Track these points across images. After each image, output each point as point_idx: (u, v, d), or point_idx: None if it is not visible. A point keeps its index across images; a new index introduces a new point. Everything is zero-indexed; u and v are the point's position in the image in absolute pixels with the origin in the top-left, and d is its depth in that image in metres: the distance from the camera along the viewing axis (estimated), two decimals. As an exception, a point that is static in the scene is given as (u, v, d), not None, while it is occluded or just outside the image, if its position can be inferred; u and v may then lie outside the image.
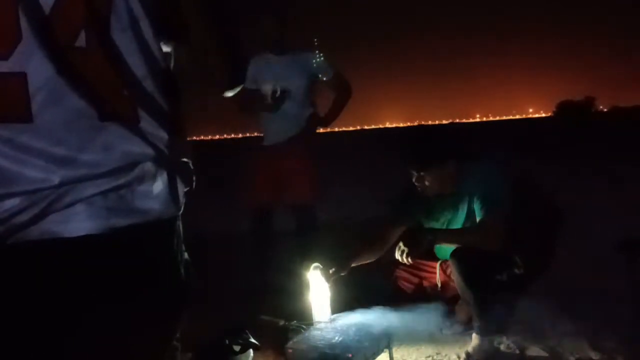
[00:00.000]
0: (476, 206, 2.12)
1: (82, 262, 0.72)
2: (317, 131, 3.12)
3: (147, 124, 0.77)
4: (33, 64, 0.69)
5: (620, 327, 2.20)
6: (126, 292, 0.74)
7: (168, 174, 0.79)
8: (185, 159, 0.85)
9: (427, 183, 2.16)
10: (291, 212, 3.10)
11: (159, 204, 0.77)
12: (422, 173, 2.15)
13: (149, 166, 0.76)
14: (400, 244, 2.06)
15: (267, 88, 2.87)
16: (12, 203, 0.68)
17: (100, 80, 0.73)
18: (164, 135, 0.79)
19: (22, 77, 0.69)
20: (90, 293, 0.72)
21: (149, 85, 0.77)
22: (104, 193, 0.72)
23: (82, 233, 0.70)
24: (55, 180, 0.70)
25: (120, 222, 0.73)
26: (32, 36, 0.69)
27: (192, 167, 0.86)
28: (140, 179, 0.75)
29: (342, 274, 2.20)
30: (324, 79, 3.02)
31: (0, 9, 0.68)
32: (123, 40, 0.75)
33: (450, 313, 2.31)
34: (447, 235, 2.19)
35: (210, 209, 6.34)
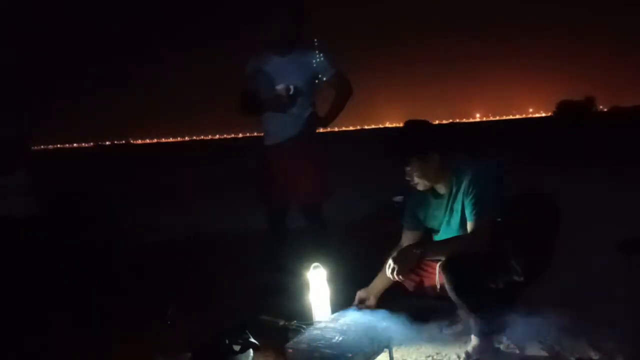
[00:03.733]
0: (466, 210, 2.10)
1: None
2: (317, 131, 3.11)
3: None
4: None
5: (620, 327, 2.20)
6: None
7: None
8: None
9: (413, 177, 2.16)
10: (300, 212, 3.09)
11: None
12: (407, 167, 2.15)
13: None
14: (390, 261, 2.05)
15: (281, 87, 2.85)
16: None
17: None
18: None
19: None
20: None
21: None
22: None
23: None
24: None
25: None
26: None
27: None
28: None
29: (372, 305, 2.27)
30: (324, 78, 3.00)
31: None
32: None
33: (450, 313, 2.31)
34: (436, 248, 2.17)
35: (212, 208, 6.35)
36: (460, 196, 2.14)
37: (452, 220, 2.20)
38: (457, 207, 2.16)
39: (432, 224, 2.30)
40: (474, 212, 2.07)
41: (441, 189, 2.20)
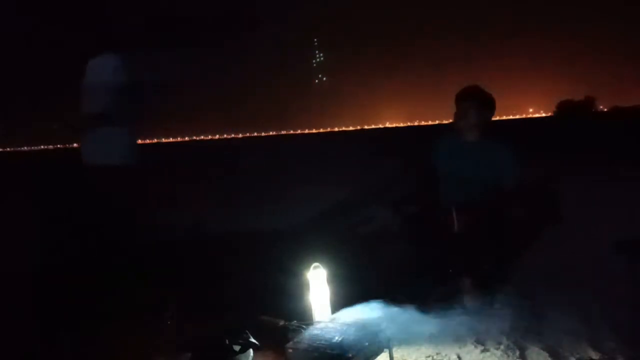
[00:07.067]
0: (506, 164, 2.71)
1: None
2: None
3: None
4: None
5: (620, 327, 2.20)
6: None
7: None
8: None
9: (471, 117, 2.75)
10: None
11: None
12: (471, 108, 2.75)
13: None
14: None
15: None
16: None
17: None
18: None
19: None
20: None
21: None
22: None
23: None
24: None
25: None
26: None
27: None
28: None
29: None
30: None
31: None
32: None
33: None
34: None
35: (212, 208, 6.34)
36: (492, 158, 2.73)
37: (480, 163, 2.72)
38: (485, 163, 2.73)
39: (454, 167, 2.79)
40: (514, 168, 2.74)
41: (472, 137, 2.80)
